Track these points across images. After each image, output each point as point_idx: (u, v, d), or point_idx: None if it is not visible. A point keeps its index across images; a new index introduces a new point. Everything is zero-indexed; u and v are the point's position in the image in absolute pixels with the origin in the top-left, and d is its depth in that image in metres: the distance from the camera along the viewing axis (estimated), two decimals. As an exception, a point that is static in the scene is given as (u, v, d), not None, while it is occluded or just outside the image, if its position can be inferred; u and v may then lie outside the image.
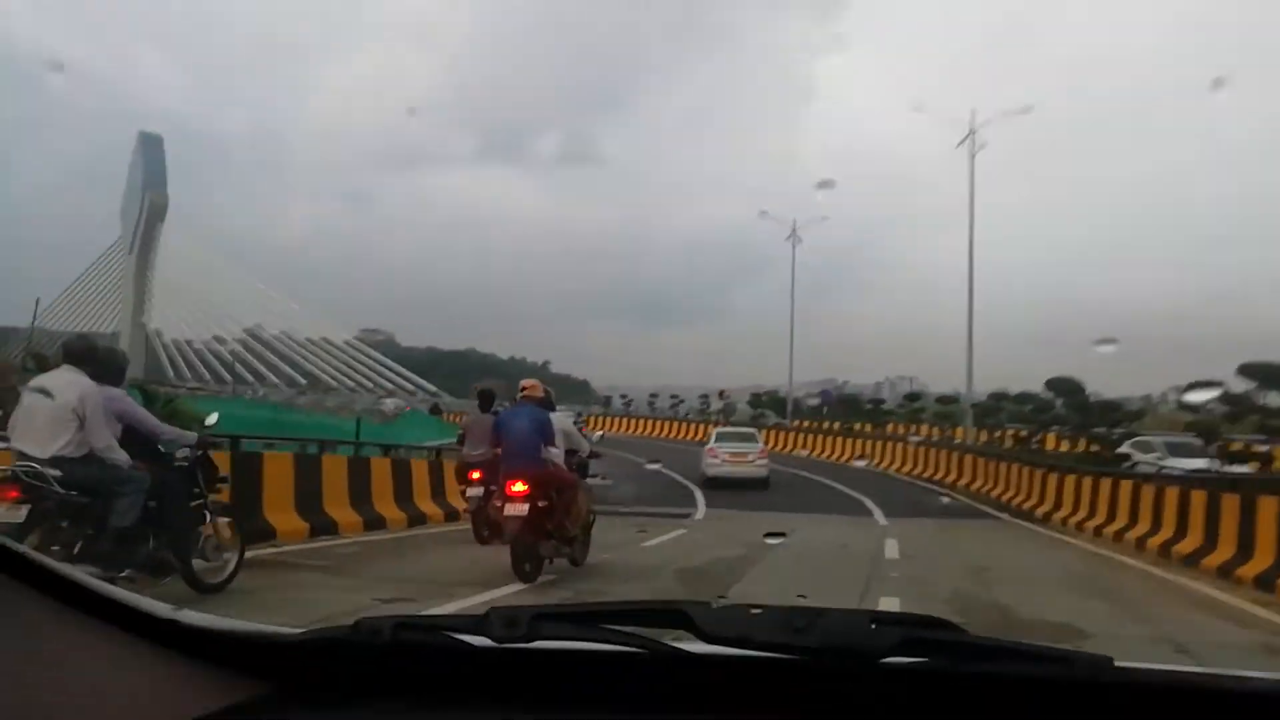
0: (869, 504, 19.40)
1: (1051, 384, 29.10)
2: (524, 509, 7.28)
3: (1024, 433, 27.12)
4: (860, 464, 28.60)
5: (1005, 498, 20.26)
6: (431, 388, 71.99)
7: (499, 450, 8.14)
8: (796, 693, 1.17)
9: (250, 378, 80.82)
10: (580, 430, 32.20)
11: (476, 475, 9.74)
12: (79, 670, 1.06)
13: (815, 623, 1.17)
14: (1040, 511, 17.99)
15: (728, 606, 1.28)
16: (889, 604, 7.35)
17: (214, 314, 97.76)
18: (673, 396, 51.22)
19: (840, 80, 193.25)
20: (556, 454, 7.89)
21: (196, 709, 1.10)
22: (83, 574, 1.15)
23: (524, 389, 8.19)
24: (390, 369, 75.28)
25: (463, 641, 1.19)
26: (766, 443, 24.76)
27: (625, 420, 46.59)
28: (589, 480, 9.13)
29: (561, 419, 8.48)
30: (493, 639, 1.16)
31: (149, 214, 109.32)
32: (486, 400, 11.24)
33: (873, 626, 1.20)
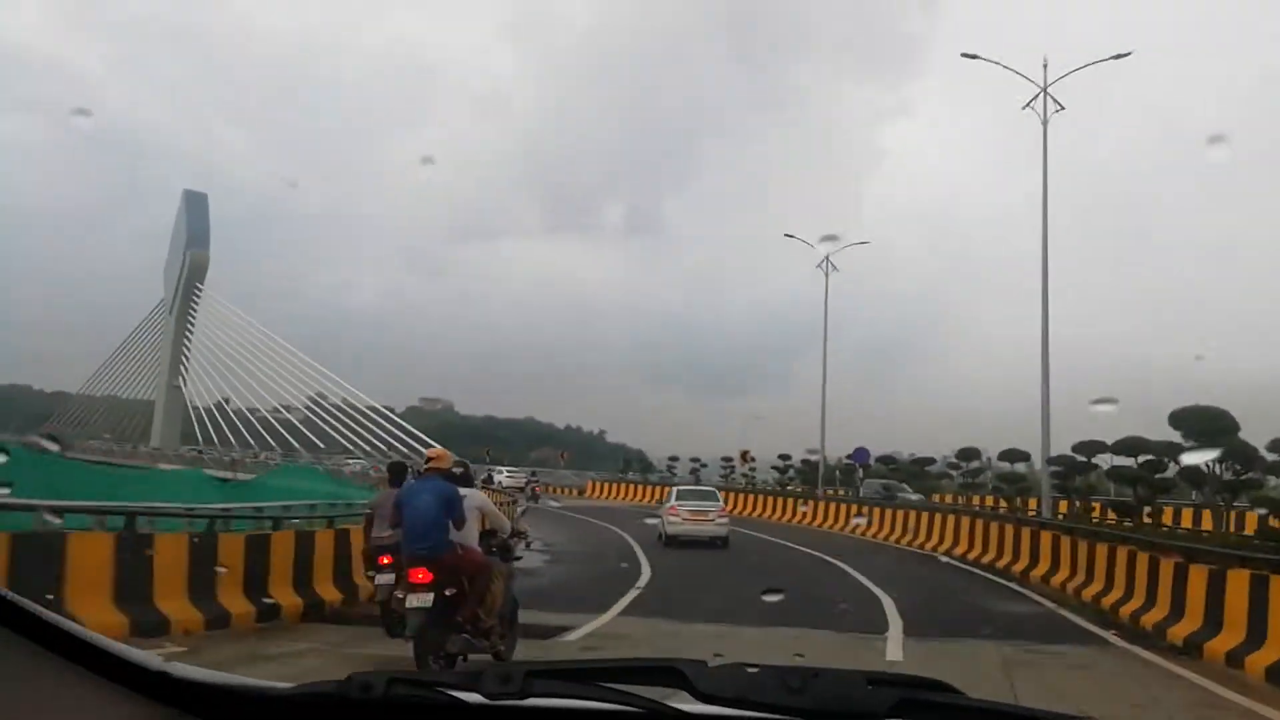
0: (885, 605, 12.80)
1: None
2: (428, 599, 6.58)
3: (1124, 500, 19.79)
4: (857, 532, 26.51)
5: (1108, 601, 12.98)
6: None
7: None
8: None
9: (275, 445, 78.53)
10: (533, 490, 31.17)
11: (386, 560, 8.82)
12: (67, 719, 1.06)
13: (811, 683, 1.19)
14: (1173, 631, 10.61)
15: (724, 666, 1.27)
16: None
17: (245, 380, 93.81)
18: (693, 460, 49.29)
19: (907, 145, 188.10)
20: (469, 535, 7.12)
21: None
22: (72, 623, 1.12)
23: (430, 460, 7.40)
24: (410, 433, 71.25)
25: (456, 698, 1.20)
26: (785, 513, 29.48)
27: (625, 486, 45.61)
28: (514, 563, 8.05)
29: (476, 495, 7.55)
30: (486, 696, 1.18)
31: (189, 273, 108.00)
32: (398, 474, 10.03)
33: (869, 688, 1.21)
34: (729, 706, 1.15)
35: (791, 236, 39.72)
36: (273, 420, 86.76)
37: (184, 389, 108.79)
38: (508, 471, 42.94)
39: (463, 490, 7.27)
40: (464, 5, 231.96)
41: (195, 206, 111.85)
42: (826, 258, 36.78)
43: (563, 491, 47.41)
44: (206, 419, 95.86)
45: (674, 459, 49.41)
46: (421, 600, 6.58)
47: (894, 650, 9.40)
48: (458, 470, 7.66)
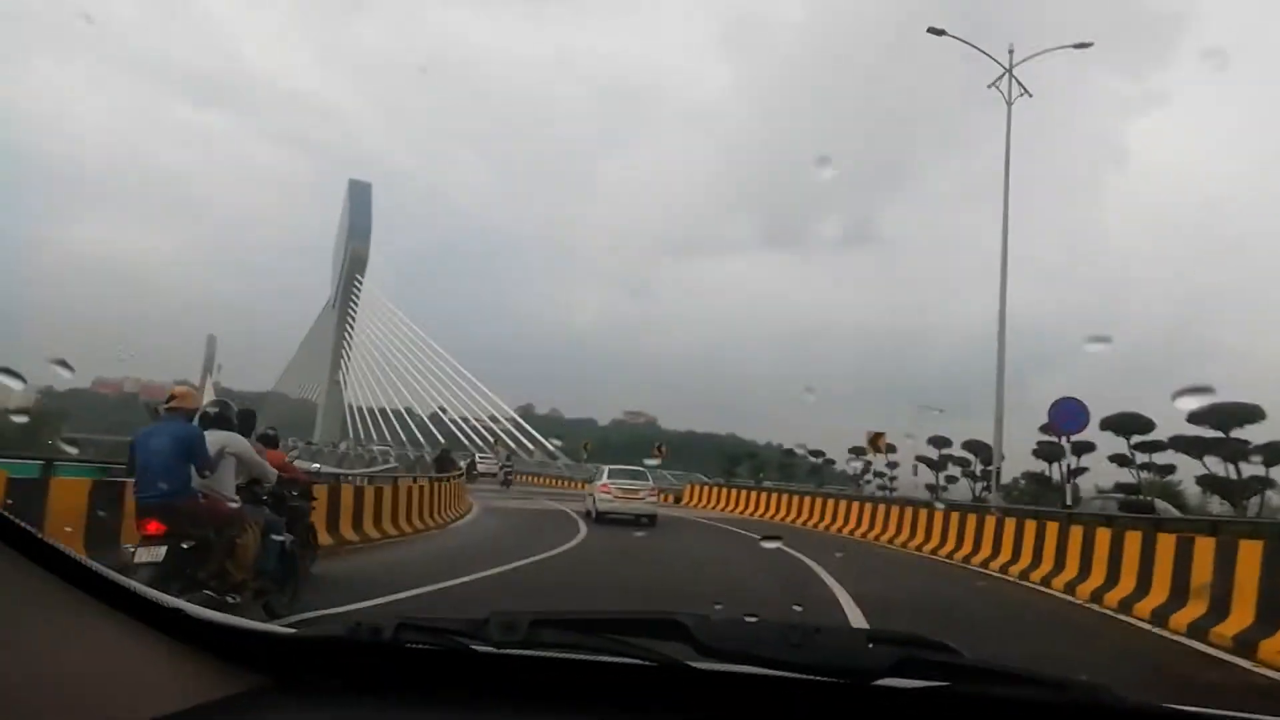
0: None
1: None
2: (160, 552, 5.91)
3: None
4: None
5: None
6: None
7: None
8: (791, 709, 1.19)
9: (407, 441, 78.84)
10: (506, 476, 35.72)
11: None
12: (84, 650, 1.08)
13: (813, 639, 1.23)
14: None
15: (726, 620, 1.33)
16: None
17: (391, 378, 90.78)
18: (813, 452, 47.41)
19: (1157, 141, 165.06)
20: (221, 482, 6.50)
21: (198, 696, 1.14)
22: (93, 562, 1.15)
23: (173, 398, 6.50)
24: (532, 435, 70.89)
25: (462, 644, 1.24)
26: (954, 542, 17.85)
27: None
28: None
29: (233, 439, 6.75)
30: (491, 643, 1.22)
31: (350, 265, 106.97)
32: (246, 421, 8.27)
33: (870, 645, 1.25)
34: (730, 660, 1.17)
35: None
36: (408, 417, 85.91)
37: (343, 385, 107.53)
38: (482, 458, 46.00)
39: (218, 434, 6.63)
40: (674, 22, 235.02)
41: (358, 197, 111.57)
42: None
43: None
44: (365, 416, 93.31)
45: (790, 451, 45.62)
46: (152, 554, 5.86)
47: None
48: (213, 411, 6.87)
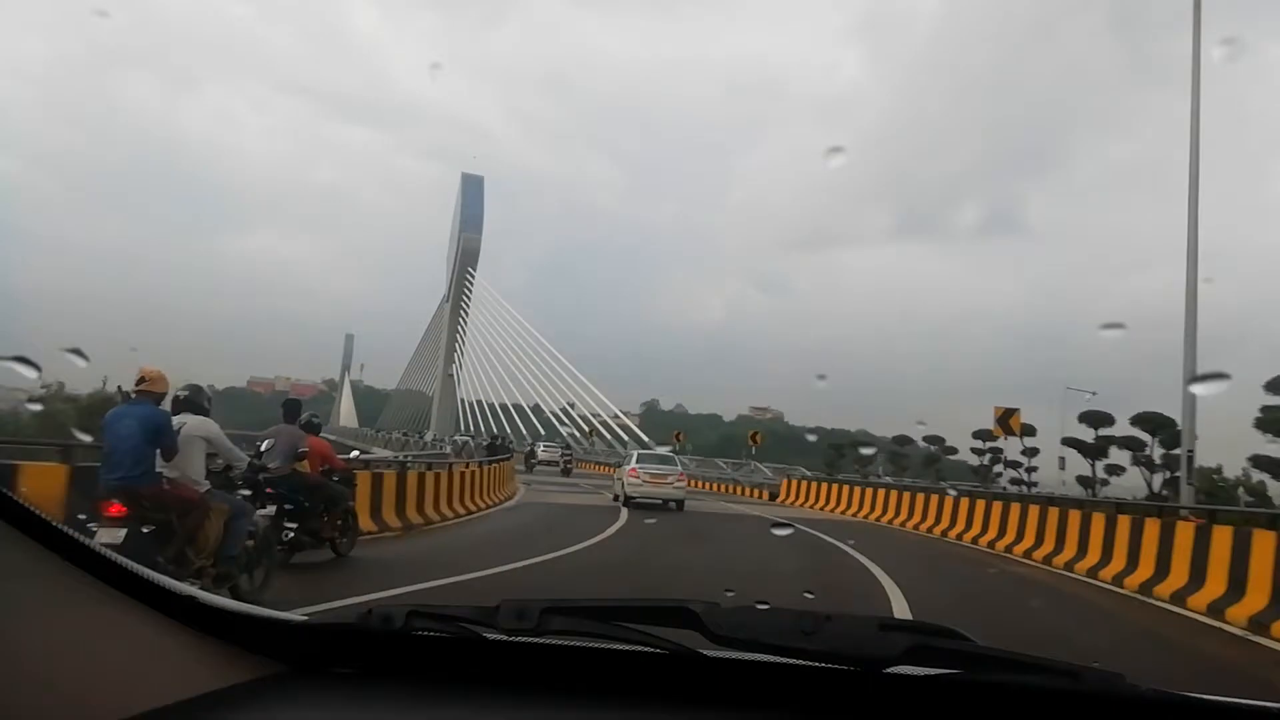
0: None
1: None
2: (119, 534, 5.91)
3: None
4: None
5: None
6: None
7: (297, 464, 9.02)
8: (802, 697, 1.19)
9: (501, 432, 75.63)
10: (566, 465, 36.02)
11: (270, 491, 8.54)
12: (95, 637, 1.10)
13: (824, 627, 1.22)
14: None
15: (737, 608, 1.31)
16: None
17: (499, 371, 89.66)
18: (927, 440, 43.58)
19: None
20: (187, 467, 6.50)
21: (211, 683, 1.15)
22: (106, 549, 1.17)
23: (141, 381, 6.39)
24: (629, 429, 67.56)
25: (473, 632, 1.24)
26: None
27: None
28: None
29: (203, 424, 6.67)
30: (502, 631, 1.22)
31: (462, 258, 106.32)
32: (292, 410, 9.83)
33: (881, 633, 1.23)
34: (741, 648, 1.18)
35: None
36: (513, 411, 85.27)
37: (456, 379, 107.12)
38: (544, 446, 46.78)
39: (186, 418, 6.62)
40: (803, 15, 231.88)
41: (471, 190, 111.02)
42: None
43: (733, 490, 35.49)
44: (477, 410, 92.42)
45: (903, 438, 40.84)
46: (112, 536, 5.83)
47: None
48: (183, 395, 6.82)
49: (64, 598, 1.10)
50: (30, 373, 2.55)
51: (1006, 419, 24.44)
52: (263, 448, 7.92)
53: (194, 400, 6.78)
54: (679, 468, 23.58)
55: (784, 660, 1.17)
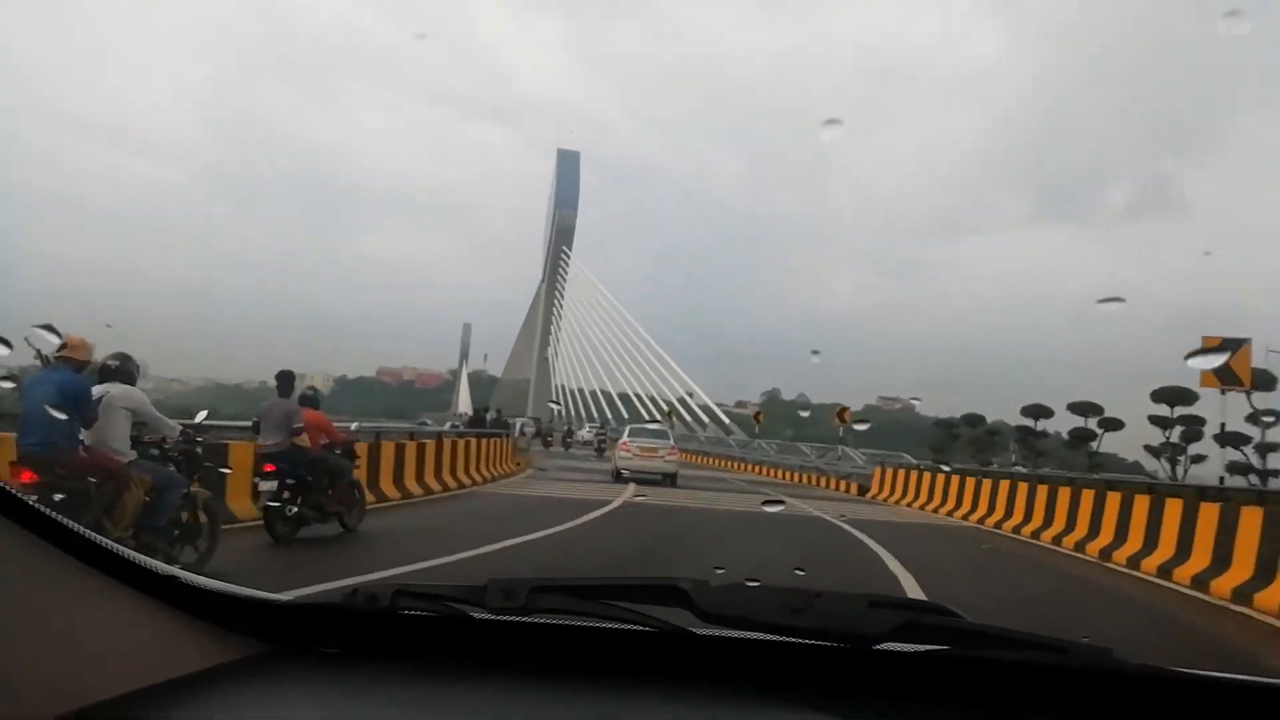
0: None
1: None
2: None
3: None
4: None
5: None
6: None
7: (296, 439, 8.91)
8: (792, 674, 1.20)
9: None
10: (600, 445, 31.67)
11: (269, 468, 8.79)
12: (78, 619, 1.09)
13: (813, 604, 1.21)
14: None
15: (726, 586, 1.29)
16: None
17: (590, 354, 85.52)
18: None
19: None
20: (109, 435, 6.35)
21: (194, 664, 1.15)
22: (84, 529, 1.15)
23: (64, 346, 6.10)
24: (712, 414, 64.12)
25: (460, 611, 1.23)
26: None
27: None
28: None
29: (127, 393, 6.48)
30: (490, 610, 1.21)
31: (556, 235, 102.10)
32: (286, 383, 9.41)
33: (871, 610, 1.23)
34: (730, 626, 1.18)
35: None
36: (600, 396, 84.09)
37: (551, 363, 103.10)
38: (589, 427, 47.49)
39: (109, 386, 6.47)
40: None
41: (567, 166, 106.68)
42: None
43: (814, 480, 29.04)
44: (573, 396, 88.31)
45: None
46: None
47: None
48: (113, 364, 6.62)
49: (44, 578, 1.08)
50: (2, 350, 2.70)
51: (1229, 359, 13.27)
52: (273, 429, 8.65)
53: (123, 369, 6.57)
54: (670, 441, 23.54)
55: (773, 638, 1.17)
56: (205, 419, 8.34)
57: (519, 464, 23.00)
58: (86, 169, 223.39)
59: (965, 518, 18.13)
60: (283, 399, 9.19)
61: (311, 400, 9.81)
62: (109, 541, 1.16)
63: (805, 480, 29.80)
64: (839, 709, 1.13)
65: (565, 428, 45.55)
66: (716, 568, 6.28)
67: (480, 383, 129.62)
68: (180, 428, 6.96)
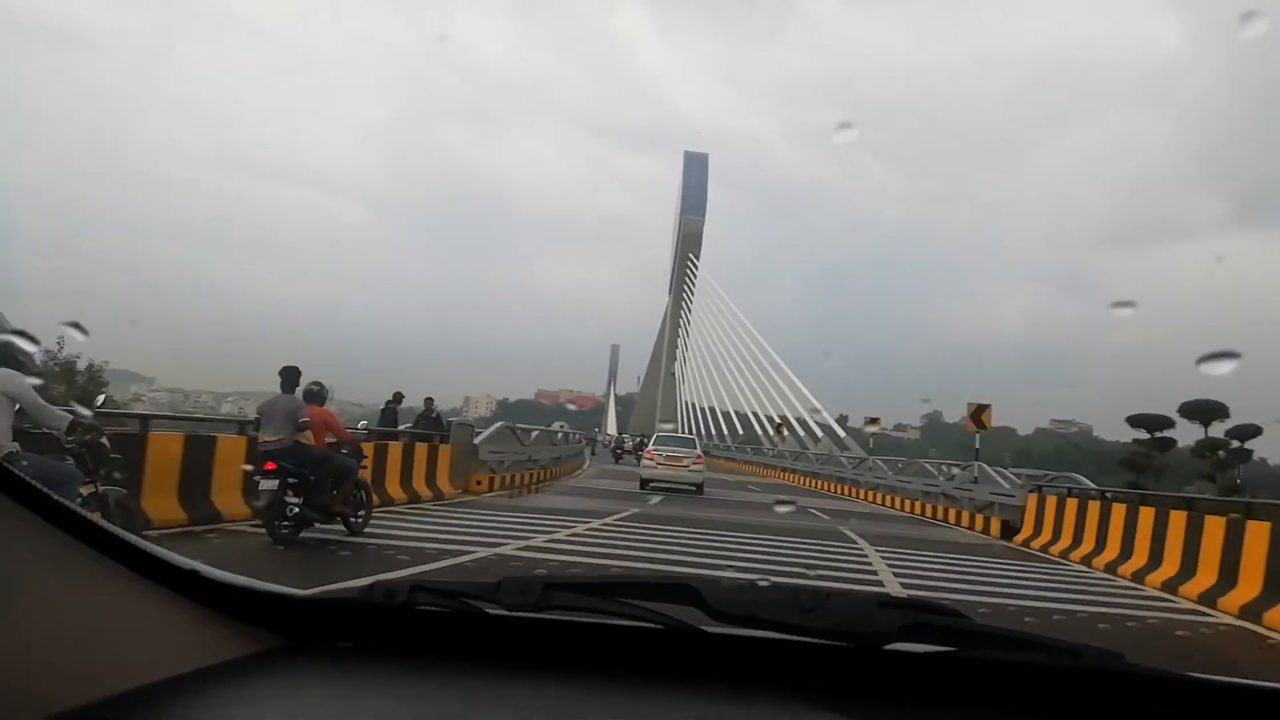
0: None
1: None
2: None
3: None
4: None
5: None
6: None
7: (300, 436, 8.56)
8: (801, 673, 1.20)
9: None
10: (637, 451, 31.09)
11: (270, 466, 8.46)
12: (98, 611, 1.10)
13: (823, 604, 1.22)
14: None
15: (738, 585, 1.33)
16: None
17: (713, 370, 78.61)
18: None
19: None
20: None
21: (213, 657, 1.16)
22: (108, 523, 1.17)
23: None
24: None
25: (476, 607, 1.24)
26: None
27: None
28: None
29: (10, 379, 6.09)
30: (504, 607, 1.22)
31: (683, 242, 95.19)
32: (290, 378, 9.00)
33: (880, 610, 1.24)
34: (741, 625, 1.18)
35: None
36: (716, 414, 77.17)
37: (679, 377, 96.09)
38: (642, 438, 48.48)
39: None
40: None
41: (694, 169, 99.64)
42: None
43: (954, 518, 19.81)
44: (707, 415, 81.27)
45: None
46: None
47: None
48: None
49: (65, 571, 1.08)
50: (31, 346, 2.92)
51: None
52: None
53: (5, 354, 6.23)
54: (697, 450, 23.05)
55: (783, 637, 1.17)
56: (103, 404, 9.90)
57: (480, 483, 16.32)
58: (283, 208, 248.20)
59: (1215, 599, 9.59)
60: (286, 394, 8.79)
61: (317, 396, 9.22)
62: (129, 535, 1.16)
63: (928, 512, 21.11)
64: (848, 708, 1.13)
65: (618, 440, 48.75)
66: (729, 565, 6.10)
67: (630, 404, 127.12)
68: (70, 418, 6.30)
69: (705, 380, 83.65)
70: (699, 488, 21.21)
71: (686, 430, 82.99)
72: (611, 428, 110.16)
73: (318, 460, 8.62)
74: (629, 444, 45.40)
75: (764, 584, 1.36)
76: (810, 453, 42.22)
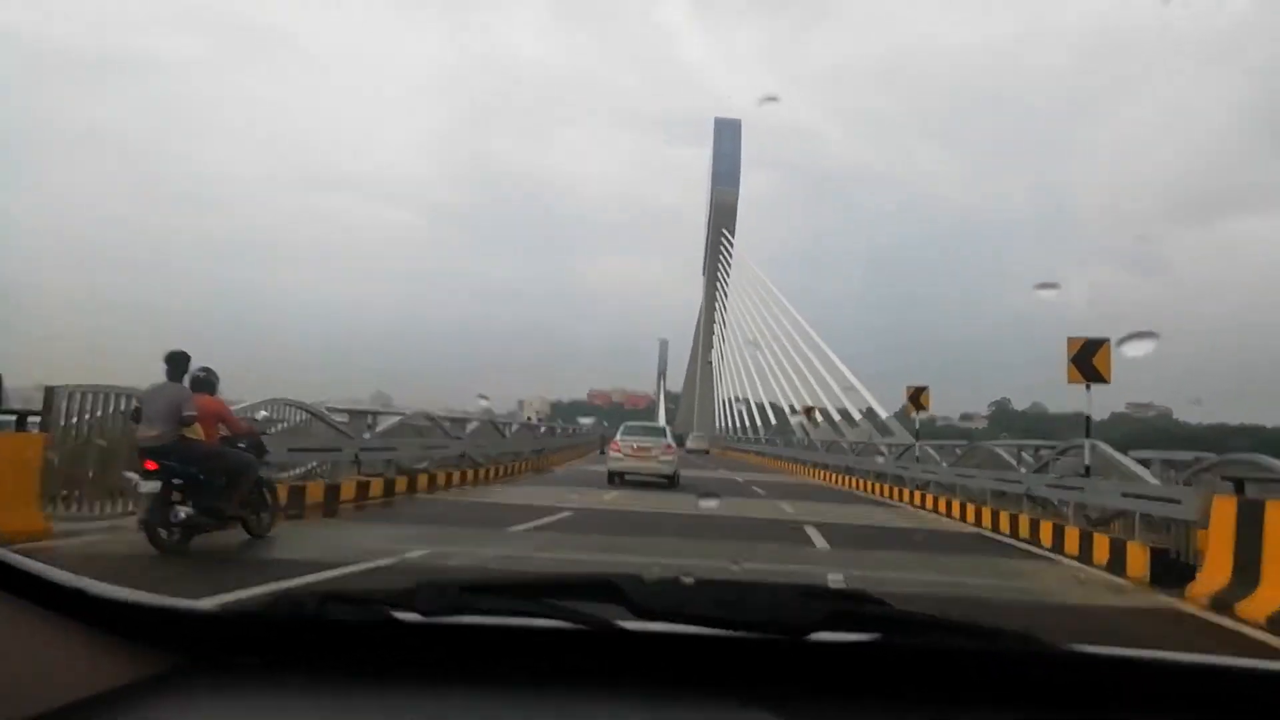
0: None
1: None
2: None
3: None
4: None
5: None
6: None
7: (186, 430, 7.75)
8: (725, 667, 1.19)
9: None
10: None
11: (152, 465, 7.52)
12: None
13: (746, 597, 1.25)
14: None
15: (660, 580, 1.29)
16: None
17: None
18: None
19: None
20: None
21: (106, 682, 1.07)
22: None
23: None
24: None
25: (390, 615, 1.20)
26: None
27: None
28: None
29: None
30: (420, 613, 1.18)
31: (716, 214, 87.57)
32: (177, 366, 7.97)
33: (803, 600, 1.24)
34: (665, 620, 1.17)
35: None
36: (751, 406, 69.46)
37: (716, 368, 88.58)
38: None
39: None
40: None
41: (726, 137, 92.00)
42: None
43: (1058, 543, 11.72)
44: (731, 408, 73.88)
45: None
46: None
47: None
48: None
49: None
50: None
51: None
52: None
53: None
54: (666, 439, 21.57)
55: (708, 631, 1.16)
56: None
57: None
58: (344, 218, 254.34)
59: None
60: (172, 383, 7.81)
61: (205, 383, 8.17)
62: (5, 551, 1.11)
63: (1002, 525, 13.41)
64: (771, 699, 1.12)
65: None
66: (654, 565, 3.37)
67: (679, 400, 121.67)
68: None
69: (740, 368, 75.79)
70: (671, 480, 19.95)
71: (723, 423, 75.55)
72: (662, 422, 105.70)
73: (207, 457, 7.73)
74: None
75: (688, 580, 1.28)
76: (845, 442, 34.17)
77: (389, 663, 1.17)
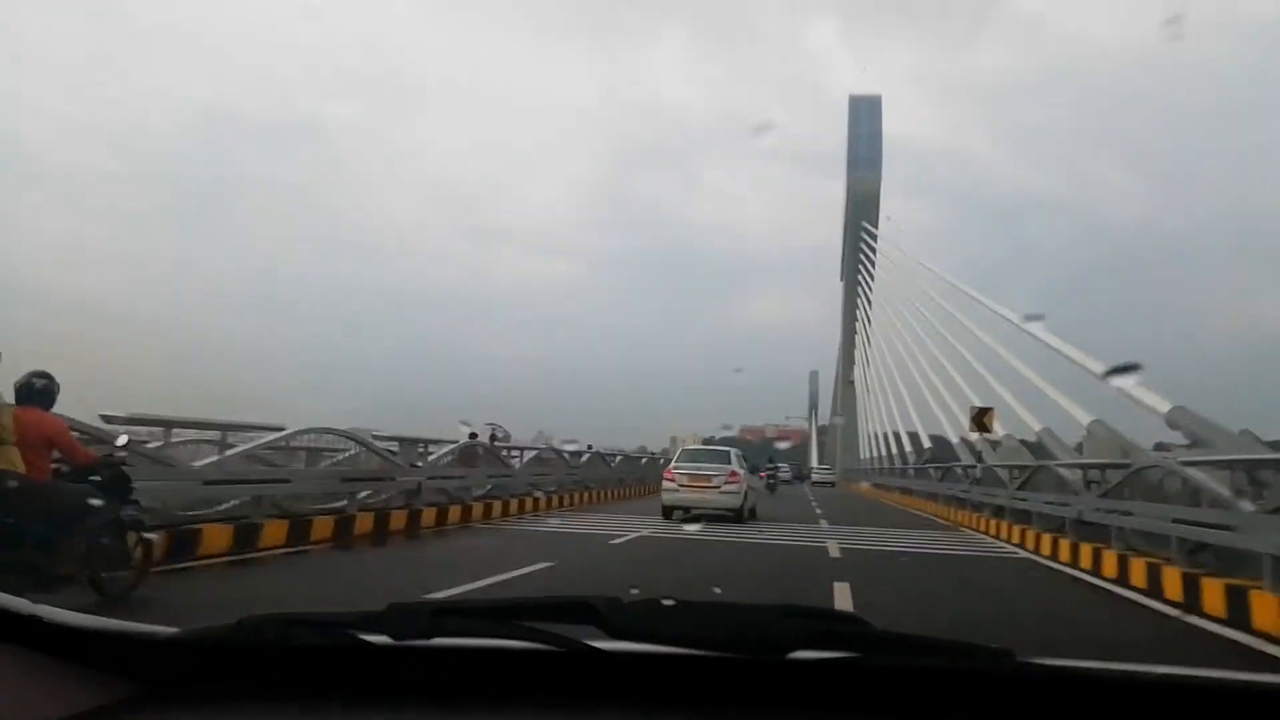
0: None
1: None
2: None
3: None
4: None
5: None
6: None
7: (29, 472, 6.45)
8: (704, 688, 1.20)
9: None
10: (772, 478, 27.44)
11: None
12: None
13: (723, 618, 1.25)
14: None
15: (638, 602, 1.29)
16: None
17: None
18: None
19: None
20: None
21: (62, 709, 1.07)
22: None
23: None
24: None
25: (359, 639, 1.19)
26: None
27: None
28: None
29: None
30: (390, 636, 1.18)
31: (853, 205, 76.68)
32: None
33: (782, 620, 1.25)
34: (643, 642, 1.17)
35: None
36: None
37: (862, 386, 77.03)
38: (784, 467, 50.17)
39: None
40: None
41: (863, 116, 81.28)
42: None
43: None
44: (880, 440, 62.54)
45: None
46: None
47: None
48: None
49: None
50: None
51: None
52: None
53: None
54: (731, 464, 18.81)
55: (685, 651, 1.16)
56: None
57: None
58: (509, 271, 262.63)
59: None
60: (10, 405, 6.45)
61: (39, 394, 6.40)
62: None
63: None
64: (750, 719, 1.13)
65: (771, 470, 44.79)
66: (632, 588, 5.89)
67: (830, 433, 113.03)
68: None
69: (888, 386, 62.21)
70: (737, 513, 17.92)
71: (870, 452, 62.87)
72: (813, 459, 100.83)
73: (25, 494, 5.95)
74: (784, 474, 43.68)
75: (668, 603, 1.26)
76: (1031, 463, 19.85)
77: (357, 688, 1.15)
